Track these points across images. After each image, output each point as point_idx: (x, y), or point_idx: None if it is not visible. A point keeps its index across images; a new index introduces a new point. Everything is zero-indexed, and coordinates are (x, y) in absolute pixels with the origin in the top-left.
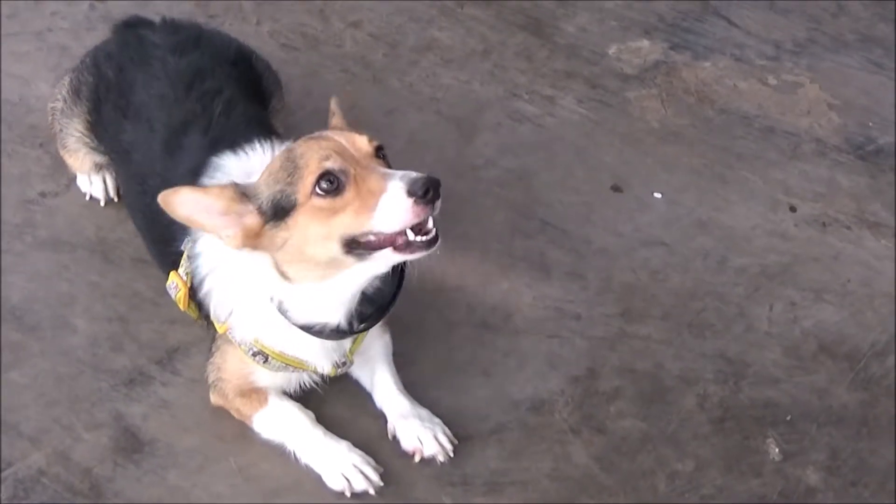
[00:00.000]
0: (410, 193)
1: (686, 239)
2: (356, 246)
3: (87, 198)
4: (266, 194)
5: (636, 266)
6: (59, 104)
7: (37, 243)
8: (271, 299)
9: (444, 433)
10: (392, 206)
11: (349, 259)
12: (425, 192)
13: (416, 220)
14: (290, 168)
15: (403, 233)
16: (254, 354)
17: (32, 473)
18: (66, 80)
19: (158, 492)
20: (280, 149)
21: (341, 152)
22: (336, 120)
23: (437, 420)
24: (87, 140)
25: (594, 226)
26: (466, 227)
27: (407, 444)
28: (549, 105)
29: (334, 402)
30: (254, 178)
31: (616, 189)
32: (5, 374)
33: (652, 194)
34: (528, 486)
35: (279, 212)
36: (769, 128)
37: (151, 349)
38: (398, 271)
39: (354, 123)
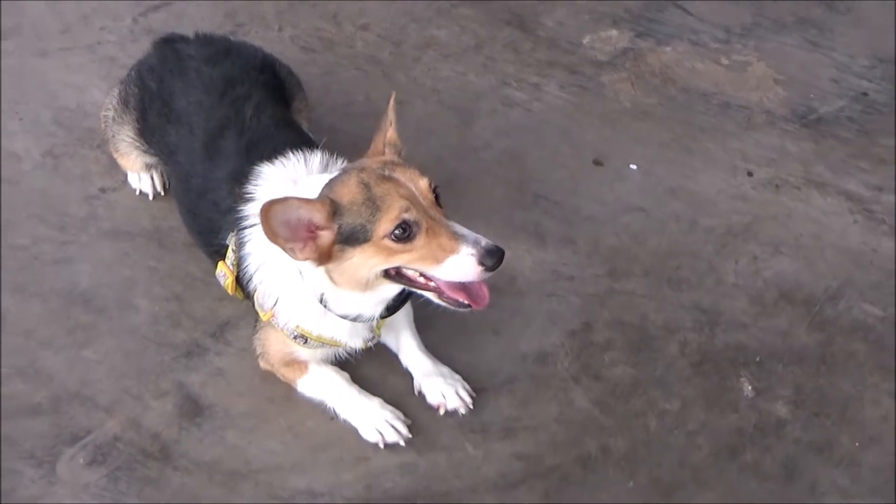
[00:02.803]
0: (481, 262)
1: (660, 204)
2: (404, 280)
3: (138, 193)
4: (347, 221)
5: (619, 230)
6: (111, 113)
7: (100, 234)
8: (315, 295)
9: (464, 388)
10: (460, 266)
11: (392, 281)
12: (493, 265)
13: (475, 280)
14: (372, 207)
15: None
16: (294, 338)
17: (109, 440)
18: (115, 91)
19: (219, 451)
20: (312, 157)
21: (414, 202)
22: (391, 133)
23: (458, 376)
24: (138, 144)
25: (581, 196)
26: (470, 202)
27: (432, 399)
28: (535, 91)
29: (366, 364)
30: (300, 185)
31: (597, 163)
32: (80, 353)
33: (629, 166)
34: (538, 430)
35: (351, 239)
36: (725, 103)
37: (205, 324)
38: None
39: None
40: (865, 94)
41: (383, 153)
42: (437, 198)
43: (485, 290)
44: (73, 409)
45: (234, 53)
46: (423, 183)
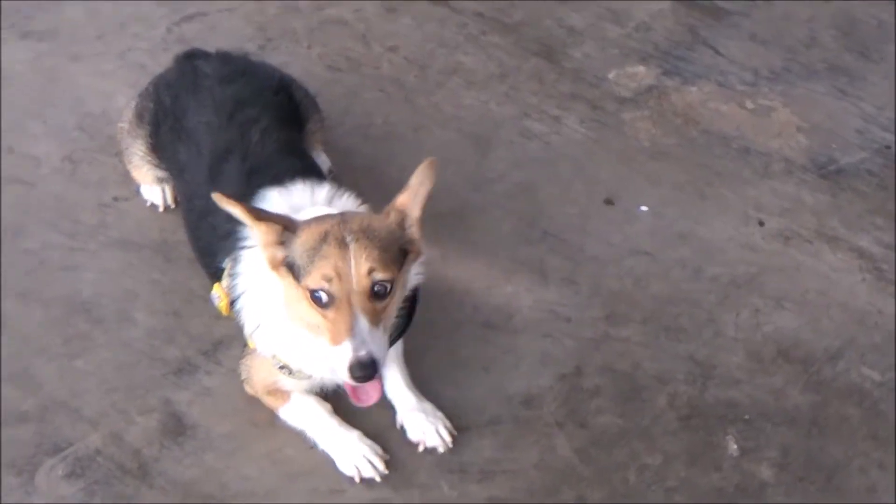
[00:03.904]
0: (350, 369)
1: (667, 249)
2: None
3: (149, 204)
4: (292, 255)
5: (622, 273)
6: (126, 125)
7: (109, 243)
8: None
9: (445, 426)
10: (337, 362)
11: None
12: (359, 377)
13: (344, 381)
14: (311, 258)
15: None
16: (280, 367)
17: (90, 453)
18: (132, 104)
19: (197, 472)
20: (319, 189)
21: (343, 278)
22: (402, 199)
23: (440, 414)
24: (149, 158)
25: (588, 235)
26: (477, 235)
27: (412, 435)
28: (555, 124)
29: None
30: (301, 215)
31: (608, 202)
32: (73, 362)
33: (639, 207)
34: (516, 476)
35: (292, 269)
36: (745, 148)
37: (199, 341)
38: (408, 309)
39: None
40: (889, 147)
41: (388, 215)
42: (377, 291)
43: (370, 392)
44: (59, 419)
45: (249, 74)
46: (364, 268)
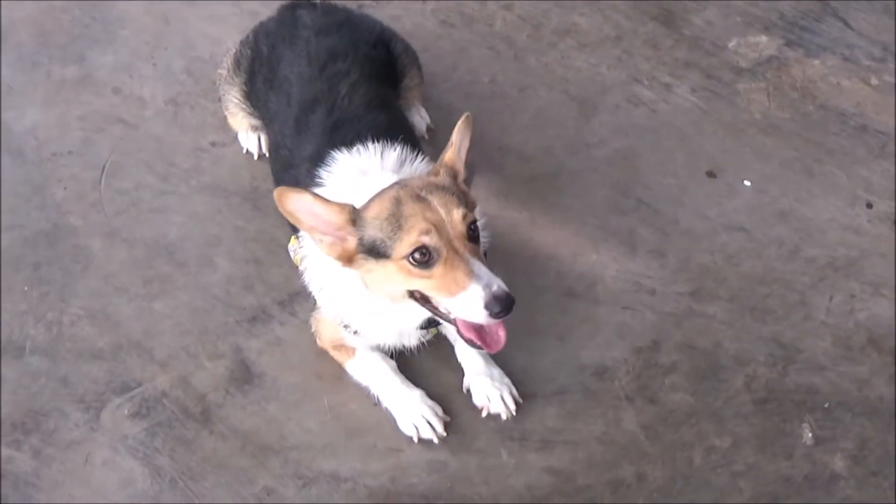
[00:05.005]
0: (486, 307)
1: (765, 226)
2: (427, 303)
3: (245, 151)
4: (369, 233)
5: (715, 249)
6: (224, 73)
7: (200, 187)
8: (357, 292)
9: (511, 393)
10: (468, 306)
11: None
12: (499, 312)
13: (483, 323)
14: (395, 224)
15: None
16: (345, 326)
17: (156, 394)
18: (231, 52)
19: (258, 421)
20: (389, 152)
21: (440, 228)
22: (450, 155)
23: (507, 381)
24: (244, 106)
25: (684, 208)
26: (570, 200)
27: (477, 399)
28: (665, 92)
29: (423, 354)
30: (368, 179)
31: (710, 175)
32: (151, 304)
33: (742, 182)
34: (577, 446)
35: (373, 252)
36: (862, 126)
37: (276, 291)
38: None
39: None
40: None
41: (438, 173)
42: (472, 233)
43: (500, 335)
44: (131, 359)
45: (348, 26)
46: (457, 213)
